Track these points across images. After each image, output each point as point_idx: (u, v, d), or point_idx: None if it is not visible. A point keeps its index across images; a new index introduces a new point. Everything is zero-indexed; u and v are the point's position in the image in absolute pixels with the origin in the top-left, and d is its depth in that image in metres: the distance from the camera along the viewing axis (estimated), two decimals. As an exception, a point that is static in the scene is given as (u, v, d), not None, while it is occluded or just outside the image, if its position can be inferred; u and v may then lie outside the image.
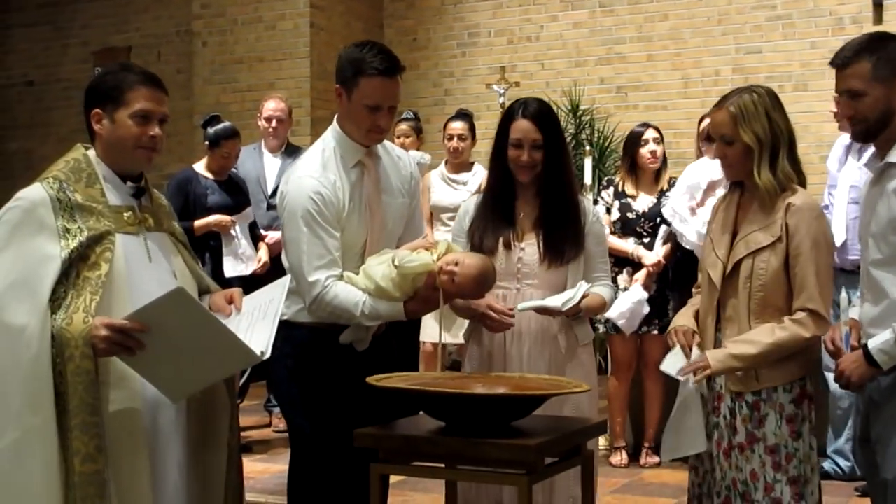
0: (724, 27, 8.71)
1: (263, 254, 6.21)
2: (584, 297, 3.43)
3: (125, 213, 2.93)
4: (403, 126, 6.76)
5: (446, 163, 6.49)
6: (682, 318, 3.43)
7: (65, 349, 2.70)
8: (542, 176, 3.52)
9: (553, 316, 3.46)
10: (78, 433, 2.69)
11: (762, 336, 3.17)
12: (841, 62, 3.07)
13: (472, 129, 6.52)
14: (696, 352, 3.28)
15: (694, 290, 3.56)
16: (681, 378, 3.27)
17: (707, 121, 5.39)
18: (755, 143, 3.21)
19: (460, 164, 6.43)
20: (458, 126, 6.42)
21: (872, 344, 2.99)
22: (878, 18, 8.13)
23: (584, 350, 3.59)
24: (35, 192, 2.85)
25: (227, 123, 6.22)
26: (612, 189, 5.94)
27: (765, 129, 3.22)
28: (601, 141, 8.67)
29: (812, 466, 3.26)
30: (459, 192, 6.33)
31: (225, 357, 2.81)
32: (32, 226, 2.80)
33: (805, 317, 3.18)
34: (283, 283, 3.03)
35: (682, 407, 3.29)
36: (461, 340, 3.83)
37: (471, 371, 3.54)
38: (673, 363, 3.32)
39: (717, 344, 3.28)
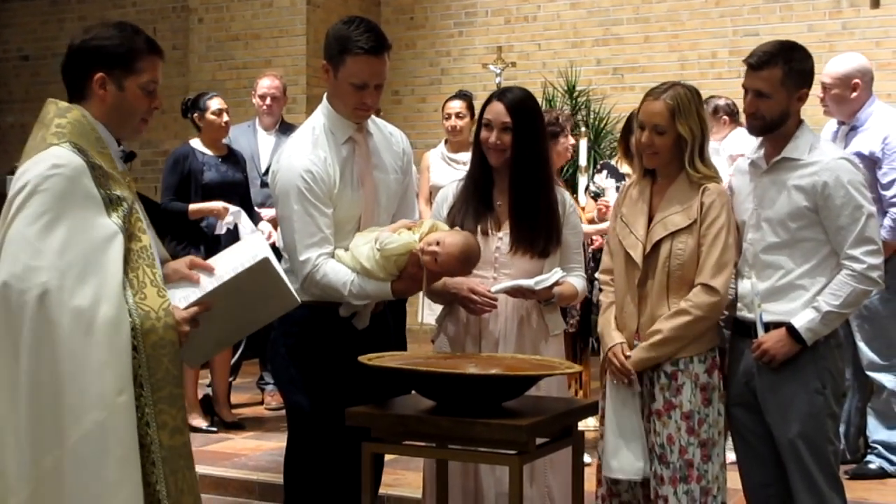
0: (722, 9, 8.68)
1: (264, 226, 6.14)
2: (557, 283, 3.45)
3: (128, 179, 2.78)
4: (457, 105, 6.35)
5: (446, 142, 6.47)
6: (613, 334, 3.51)
7: (144, 322, 2.56)
8: (512, 163, 3.50)
9: (526, 298, 3.46)
10: (165, 406, 2.59)
11: (666, 323, 3.38)
12: (756, 63, 3.34)
13: (470, 108, 6.48)
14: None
15: (599, 276, 3.68)
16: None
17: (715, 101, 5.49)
18: (689, 136, 3.39)
19: (460, 143, 6.39)
20: (455, 105, 6.39)
21: (799, 323, 3.31)
22: (875, 2, 8.10)
23: (555, 339, 3.59)
24: (72, 158, 2.62)
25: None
26: (605, 172, 5.91)
27: (696, 124, 3.40)
28: (597, 122, 8.65)
29: (719, 430, 3.47)
30: (459, 171, 6.25)
31: (268, 308, 2.91)
32: (79, 196, 2.59)
33: (698, 291, 3.36)
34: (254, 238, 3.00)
35: (627, 425, 3.45)
36: None
37: (441, 349, 3.54)
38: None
39: (639, 318, 3.45)
